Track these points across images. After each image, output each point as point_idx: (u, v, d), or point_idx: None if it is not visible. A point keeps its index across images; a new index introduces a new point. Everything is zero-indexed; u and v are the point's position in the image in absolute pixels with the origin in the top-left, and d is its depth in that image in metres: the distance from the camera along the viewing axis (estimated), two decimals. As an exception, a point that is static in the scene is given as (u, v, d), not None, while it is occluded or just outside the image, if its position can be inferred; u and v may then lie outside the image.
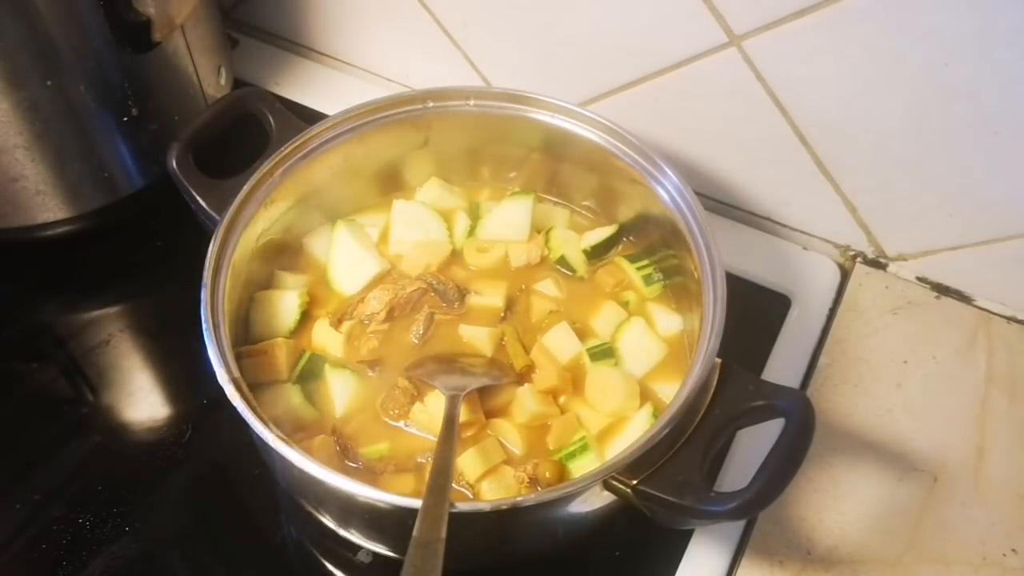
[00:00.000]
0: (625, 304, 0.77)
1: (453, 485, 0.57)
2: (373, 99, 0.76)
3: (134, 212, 0.88)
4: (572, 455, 0.67)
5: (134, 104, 0.81)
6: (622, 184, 0.76)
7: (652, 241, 0.78)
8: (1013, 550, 0.71)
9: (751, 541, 0.71)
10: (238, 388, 0.60)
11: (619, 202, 0.79)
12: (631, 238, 0.81)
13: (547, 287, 0.78)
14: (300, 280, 0.77)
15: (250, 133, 0.78)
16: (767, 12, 0.74)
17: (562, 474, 0.67)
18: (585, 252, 0.80)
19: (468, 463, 0.65)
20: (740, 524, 0.71)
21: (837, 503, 0.73)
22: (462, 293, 0.77)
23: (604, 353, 0.73)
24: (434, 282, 0.76)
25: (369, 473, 0.67)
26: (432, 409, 0.68)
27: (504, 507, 0.56)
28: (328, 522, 0.67)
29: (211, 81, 0.91)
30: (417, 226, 0.80)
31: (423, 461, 0.67)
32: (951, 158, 0.76)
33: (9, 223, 0.83)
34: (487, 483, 0.65)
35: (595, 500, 0.61)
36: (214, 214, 0.70)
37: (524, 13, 0.86)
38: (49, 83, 0.75)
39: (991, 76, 0.69)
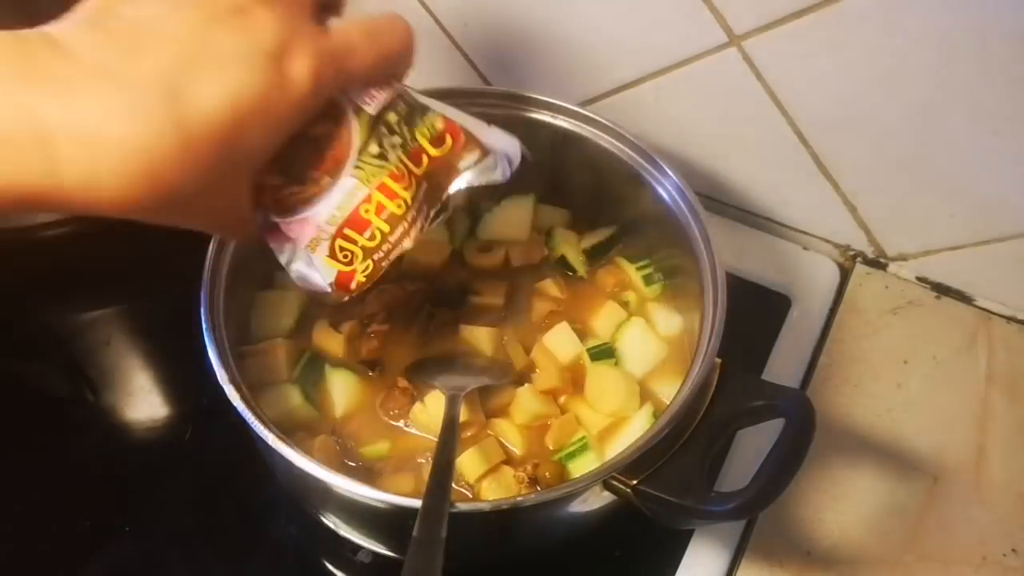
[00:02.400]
0: (625, 304, 0.77)
1: (453, 485, 0.57)
2: (373, 99, 0.76)
3: (134, 212, 0.88)
4: (572, 455, 0.67)
5: (134, 104, 0.81)
6: (622, 184, 0.76)
7: (652, 241, 0.78)
8: (1013, 550, 0.71)
9: (751, 541, 0.71)
10: (238, 388, 0.60)
11: (619, 202, 0.79)
12: (631, 238, 0.81)
13: (547, 287, 0.78)
14: (300, 280, 0.77)
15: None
16: (767, 12, 0.74)
17: (562, 474, 0.67)
18: (585, 252, 0.80)
19: (468, 463, 0.65)
20: (740, 524, 0.71)
21: (837, 503, 0.73)
22: (462, 293, 0.77)
23: (604, 353, 0.73)
24: (434, 282, 0.76)
25: (369, 473, 0.67)
26: (432, 409, 0.68)
27: (504, 507, 0.56)
28: (328, 522, 0.67)
29: (211, 81, 0.91)
30: (417, 226, 0.80)
31: (423, 461, 0.67)
32: (951, 158, 0.76)
33: (9, 223, 0.83)
34: (487, 483, 0.65)
35: (595, 500, 0.61)
36: (214, 214, 0.70)
37: (524, 13, 0.86)
38: (49, 83, 0.75)
39: (991, 76, 0.69)
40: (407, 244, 0.58)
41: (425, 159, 0.57)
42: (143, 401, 0.80)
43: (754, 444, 0.72)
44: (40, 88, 0.39)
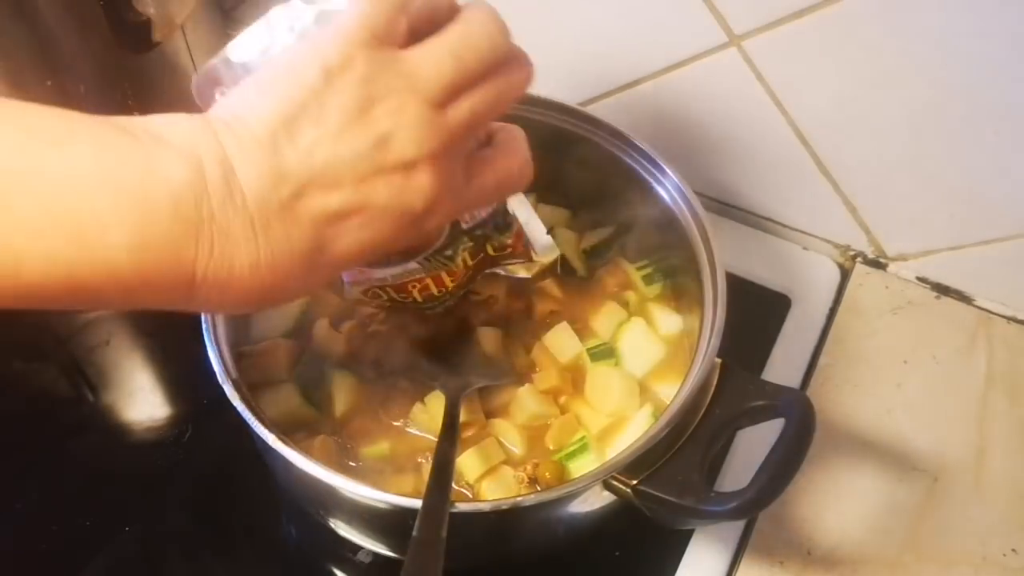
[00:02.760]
0: (625, 304, 0.77)
1: (453, 485, 0.57)
2: (373, 99, 0.76)
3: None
4: (572, 455, 0.67)
5: (134, 104, 0.81)
6: (622, 184, 0.76)
7: (652, 241, 0.77)
8: (1013, 550, 0.71)
9: (751, 541, 0.71)
10: (238, 388, 0.60)
11: (619, 202, 0.79)
12: (631, 238, 0.81)
13: (547, 287, 0.78)
14: (300, 280, 0.77)
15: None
16: (767, 12, 0.74)
17: (562, 474, 0.67)
18: (585, 252, 0.80)
19: (468, 463, 0.65)
20: (740, 524, 0.71)
21: (837, 503, 0.73)
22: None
23: (604, 353, 0.73)
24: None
25: (369, 473, 0.67)
26: (432, 409, 0.68)
27: (504, 507, 0.56)
28: (328, 522, 0.67)
29: (211, 81, 0.91)
30: (417, 226, 0.80)
31: (423, 461, 0.67)
32: (951, 158, 0.76)
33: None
34: (487, 483, 0.65)
35: (595, 500, 0.61)
36: (214, 214, 0.70)
37: (524, 13, 0.86)
38: (49, 83, 0.74)
39: (991, 76, 0.69)
40: (428, 312, 0.65)
41: (481, 255, 0.63)
42: (143, 401, 0.80)
43: (754, 444, 0.72)
44: (201, 242, 0.39)
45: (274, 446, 0.57)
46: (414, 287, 0.61)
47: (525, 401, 0.69)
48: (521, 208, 0.64)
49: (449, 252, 0.59)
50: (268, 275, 0.41)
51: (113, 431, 0.79)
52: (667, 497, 0.57)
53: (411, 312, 0.71)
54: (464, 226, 0.59)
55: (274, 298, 0.43)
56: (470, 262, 0.62)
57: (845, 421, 0.77)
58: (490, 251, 0.62)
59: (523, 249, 0.64)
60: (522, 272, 0.67)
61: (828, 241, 0.90)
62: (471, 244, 0.60)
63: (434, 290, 0.61)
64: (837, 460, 0.75)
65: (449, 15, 0.45)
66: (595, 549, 0.71)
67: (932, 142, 0.76)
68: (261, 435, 0.58)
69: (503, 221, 0.62)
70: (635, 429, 0.68)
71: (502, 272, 0.66)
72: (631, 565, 0.71)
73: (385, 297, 0.62)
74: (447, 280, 0.61)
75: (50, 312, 0.86)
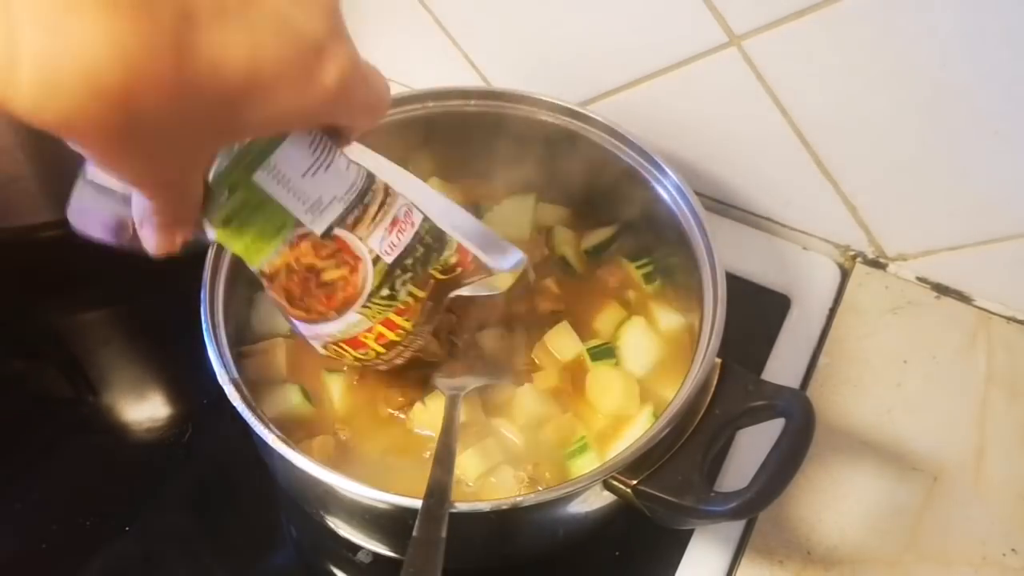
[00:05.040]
0: (626, 304, 0.77)
1: (453, 485, 0.57)
2: (373, 99, 0.76)
3: (134, 212, 0.88)
4: (572, 455, 0.67)
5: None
6: (622, 184, 0.76)
7: (652, 241, 0.78)
8: (1013, 550, 0.71)
9: (751, 541, 0.71)
10: (238, 388, 0.60)
11: (619, 202, 0.79)
12: (631, 238, 0.81)
13: (547, 286, 0.78)
14: (300, 280, 0.77)
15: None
16: (767, 12, 0.74)
17: (562, 474, 0.67)
18: (585, 252, 0.80)
19: (468, 463, 0.65)
20: (740, 524, 0.71)
21: (837, 503, 0.73)
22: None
23: (605, 353, 0.73)
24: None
25: (369, 473, 0.67)
26: (433, 409, 0.68)
27: (504, 507, 0.56)
28: (328, 522, 0.67)
29: (211, 81, 0.91)
30: (417, 226, 0.80)
31: (424, 460, 0.67)
32: (951, 158, 0.76)
33: (9, 223, 0.83)
34: (487, 483, 0.65)
35: (595, 500, 0.61)
36: (214, 214, 0.70)
37: (524, 13, 0.86)
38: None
39: (991, 76, 0.69)
40: (399, 361, 0.61)
41: (432, 283, 0.59)
42: (143, 401, 0.81)
43: (754, 444, 0.72)
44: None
45: (274, 446, 0.57)
46: (366, 338, 0.58)
47: (525, 401, 0.69)
48: (472, 221, 0.61)
49: (385, 292, 0.56)
50: (120, 71, 0.32)
51: (113, 431, 0.79)
52: (667, 497, 0.57)
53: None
54: (388, 259, 0.55)
55: (136, 87, 0.33)
56: (420, 294, 0.58)
57: (845, 421, 0.77)
58: (438, 275, 0.58)
59: (475, 266, 0.60)
60: (489, 289, 0.62)
61: (828, 241, 0.90)
62: (409, 275, 0.57)
63: (391, 335, 0.58)
64: (837, 460, 0.75)
65: None
66: (595, 549, 0.71)
67: (932, 142, 0.76)
68: (261, 435, 0.58)
69: (433, 240, 0.58)
70: (635, 429, 0.68)
71: (469, 293, 0.62)
72: (631, 565, 0.71)
73: (349, 357, 0.60)
74: (401, 321, 0.58)
75: (50, 312, 0.86)
